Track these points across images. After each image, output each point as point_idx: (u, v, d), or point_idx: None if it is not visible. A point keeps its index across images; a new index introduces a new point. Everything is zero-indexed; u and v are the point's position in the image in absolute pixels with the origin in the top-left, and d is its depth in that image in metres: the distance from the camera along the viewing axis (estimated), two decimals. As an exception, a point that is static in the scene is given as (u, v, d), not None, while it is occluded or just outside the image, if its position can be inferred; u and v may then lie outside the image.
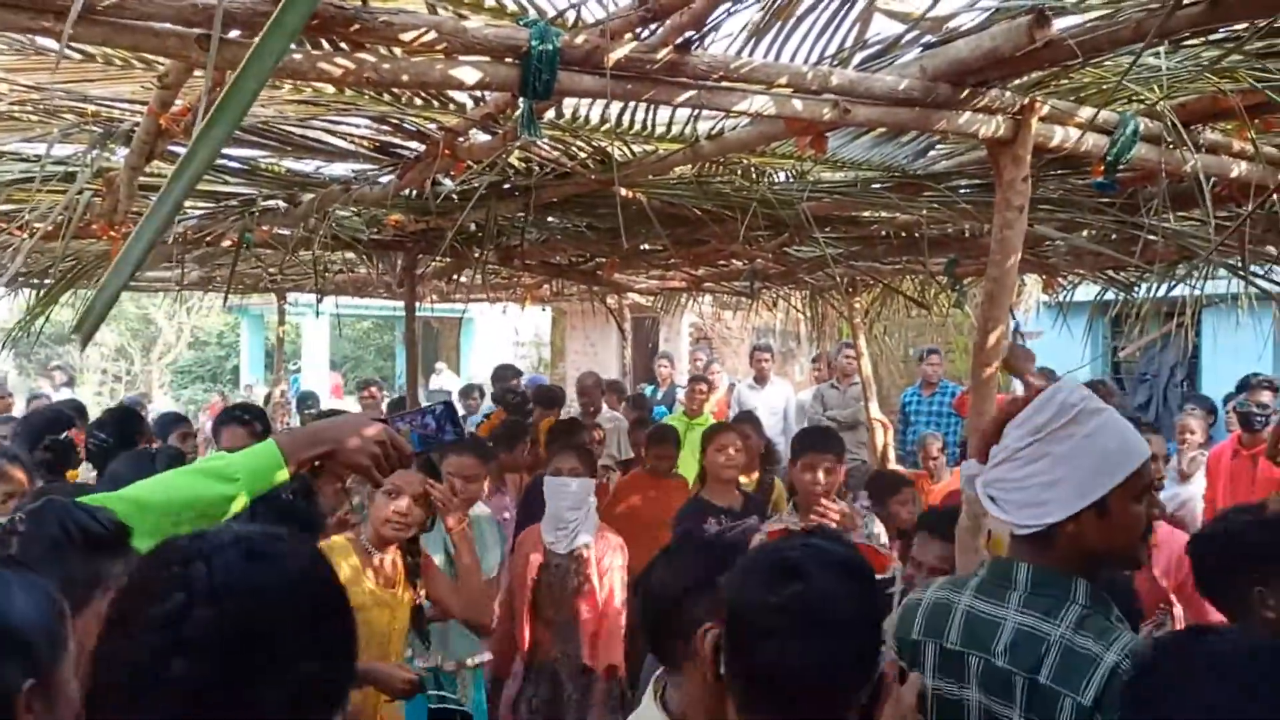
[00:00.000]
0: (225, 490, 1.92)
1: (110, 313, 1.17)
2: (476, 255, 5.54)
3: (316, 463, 2.07)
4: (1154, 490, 2.04)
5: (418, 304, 9.37)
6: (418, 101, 3.11)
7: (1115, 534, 1.85)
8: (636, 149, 3.72)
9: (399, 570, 3.54)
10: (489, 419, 7.44)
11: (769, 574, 1.66)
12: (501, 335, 21.08)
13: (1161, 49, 2.64)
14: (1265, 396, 6.08)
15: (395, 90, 2.92)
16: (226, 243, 5.27)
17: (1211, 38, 2.61)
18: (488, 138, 3.36)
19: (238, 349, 23.12)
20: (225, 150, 3.86)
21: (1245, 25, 2.46)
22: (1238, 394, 7.01)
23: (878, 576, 1.70)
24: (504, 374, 9.86)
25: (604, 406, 9.07)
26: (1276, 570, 2.51)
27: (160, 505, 1.88)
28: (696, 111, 3.20)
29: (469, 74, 2.33)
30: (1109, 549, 1.86)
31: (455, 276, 7.10)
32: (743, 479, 5.26)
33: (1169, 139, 2.97)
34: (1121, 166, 3.22)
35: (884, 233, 5.13)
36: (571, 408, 9.23)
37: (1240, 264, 4.45)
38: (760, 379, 9.84)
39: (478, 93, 3.02)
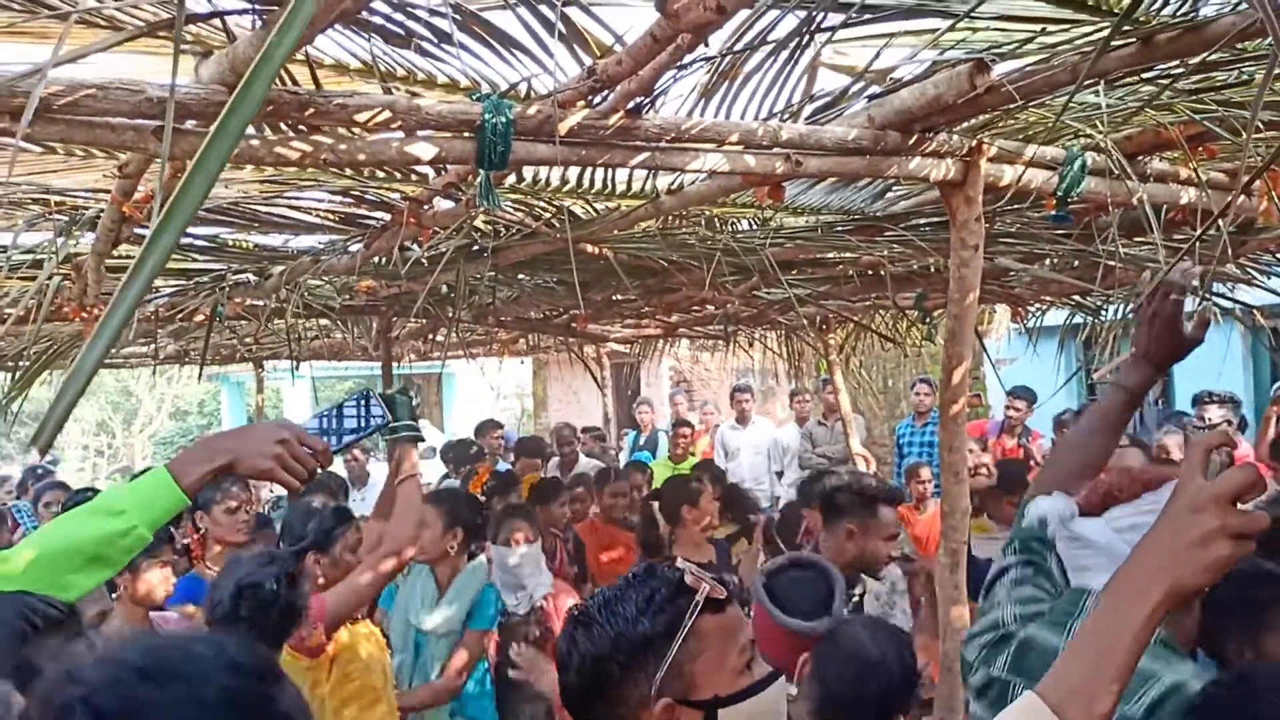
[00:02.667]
0: (113, 526, 1.78)
1: (86, 390, 1.15)
2: (450, 315, 5.57)
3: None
4: None
5: (396, 364, 9.46)
6: (379, 174, 3.15)
7: None
8: (599, 206, 3.78)
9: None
10: (477, 474, 7.41)
11: None
12: (483, 389, 21.10)
13: (1100, 87, 2.71)
14: (1211, 411, 6.16)
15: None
16: (200, 317, 5.30)
17: (1145, 75, 2.68)
18: (451, 204, 3.41)
19: (219, 417, 23.03)
20: (192, 230, 3.89)
21: (1177, 62, 2.53)
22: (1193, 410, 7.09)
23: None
24: (486, 429, 9.87)
25: (580, 455, 9.11)
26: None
27: (47, 556, 1.75)
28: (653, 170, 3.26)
29: (425, 150, 2.38)
30: None
31: (430, 336, 7.12)
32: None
33: (1115, 171, 3.03)
34: (1073, 199, 3.29)
35: (850, 272, 5.19)
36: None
37: (1200, 287, 4.53)
38: (742, 419, 9.88)
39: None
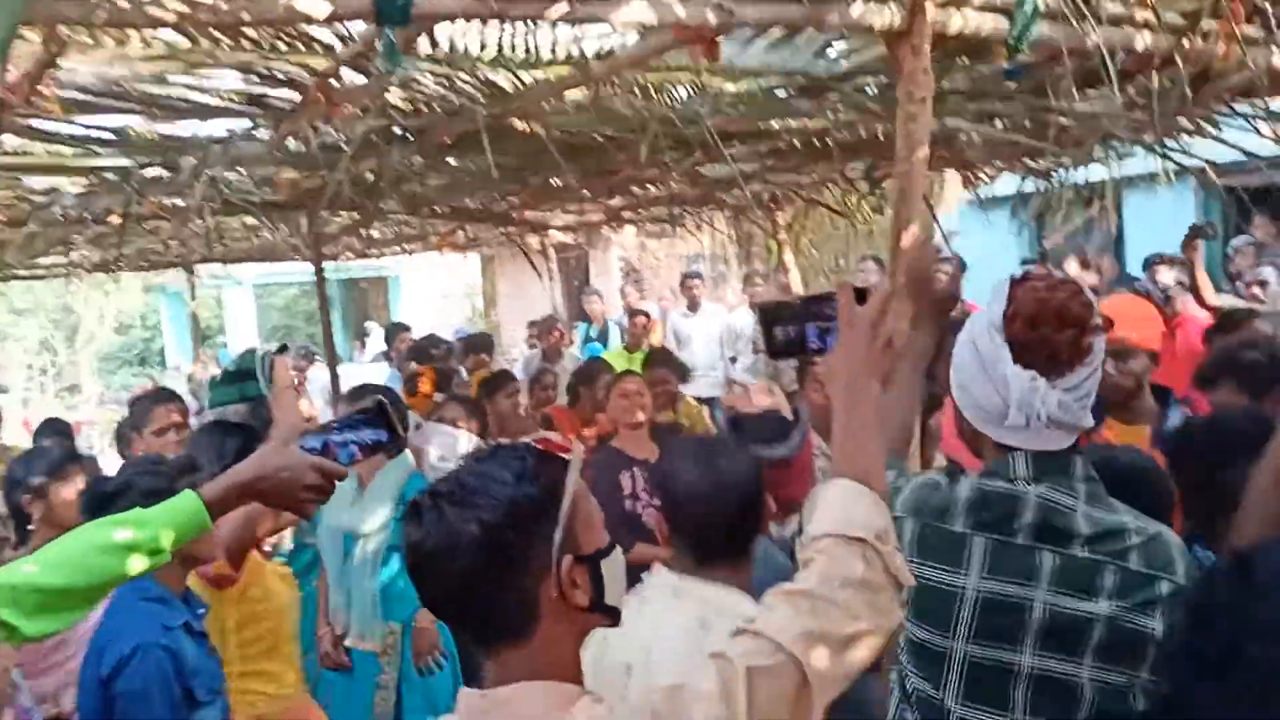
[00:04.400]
0: (150, 563, 1.78)
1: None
2: (379, 207, 5.33)
3: None
4: None
5: (338, 263, 9.18)
6: (281, 46, 2.90)
7: None
8: (526, 78, 3.54)
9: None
10: (420, 379, 7.20)
11: None
12: (430, 289, 20.79)
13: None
14: (1163, 273, 6.08)
15: (251, 36, 2.72)
16: (115, 219, 5.02)
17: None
18: (364, 79, 3.16)
19: (160, 329, 22.60)
20: (93, 120, 3.62)
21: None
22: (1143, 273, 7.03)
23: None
24: (395, 332, 9.68)
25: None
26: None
27: (69, 587, 1.72)
28: (580, 31, 3.04)
29: (318, 6, 2.15)
30: None
31: (364, 232, 6.85)
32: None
33: (1068, 12, 2.85)
34: (1026, 50, 3.11)
35: (795, 143, 4.99)
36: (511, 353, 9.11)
37: (1154, 141, 4.39)
38: (693, 306, 9.73)
39: (343, 30, 2.83)
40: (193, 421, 4.99)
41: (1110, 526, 1.75)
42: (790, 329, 1.64)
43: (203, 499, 1.83)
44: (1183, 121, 4.54)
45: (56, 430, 5.98)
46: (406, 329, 9.88)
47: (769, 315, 1.67)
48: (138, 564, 1.77)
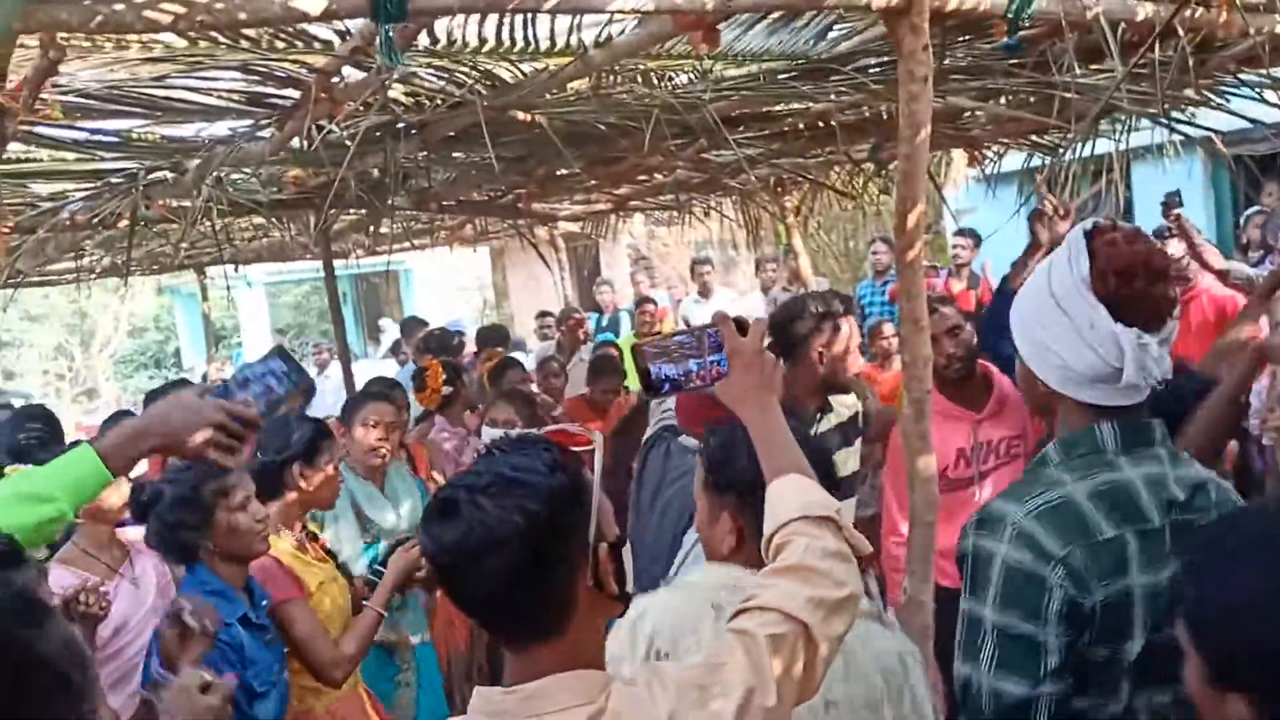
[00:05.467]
0: (45, 513, 1.76)
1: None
2: (388, 203, 5.34)
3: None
4: None
5: (348, 261, 9.17)
6: (280, 45, 2.91)
7: None
8: (526, 69, 3.54)
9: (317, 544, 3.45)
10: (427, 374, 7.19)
11: None
12: (443, 283, 20.80)
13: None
14: (1172, 246, 6.00)
15: (250, 35, 2.73)
16: (124, 223, 5.04)
17: None
18: (363, 75, 3.17)
19: (175, 331, 22.68)
20: (95, 125, 3.64)
21: None
22: None
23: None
24: (411, 327, 9.69)
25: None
26: None
27: None
28: (577, 20, 3.03)
29: (314, 4, 2.15)
30: None
31: (373, 228, 6.87)
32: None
33: (1067, -15, 2.84)
34: (1024, 22, 3.09)
35: (800, 125, 4.98)
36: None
37: (1160, 112, 4.36)
38: (705, 292, 9.73)
39: (341, 26, 2.84)
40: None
41: (1195, 481, 1.76)
42: (666, 368, 1.74)
43: (98, 451, 1.81)
44: (1188, 93, 4.51)
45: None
46: (424, 324, 9.89)
47: (641, 356, 1.75)
48: (37, 512, 1.76)
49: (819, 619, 1.46)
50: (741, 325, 1.73)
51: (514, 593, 1.38)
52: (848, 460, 3.44)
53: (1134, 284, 1.69)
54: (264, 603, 2.93)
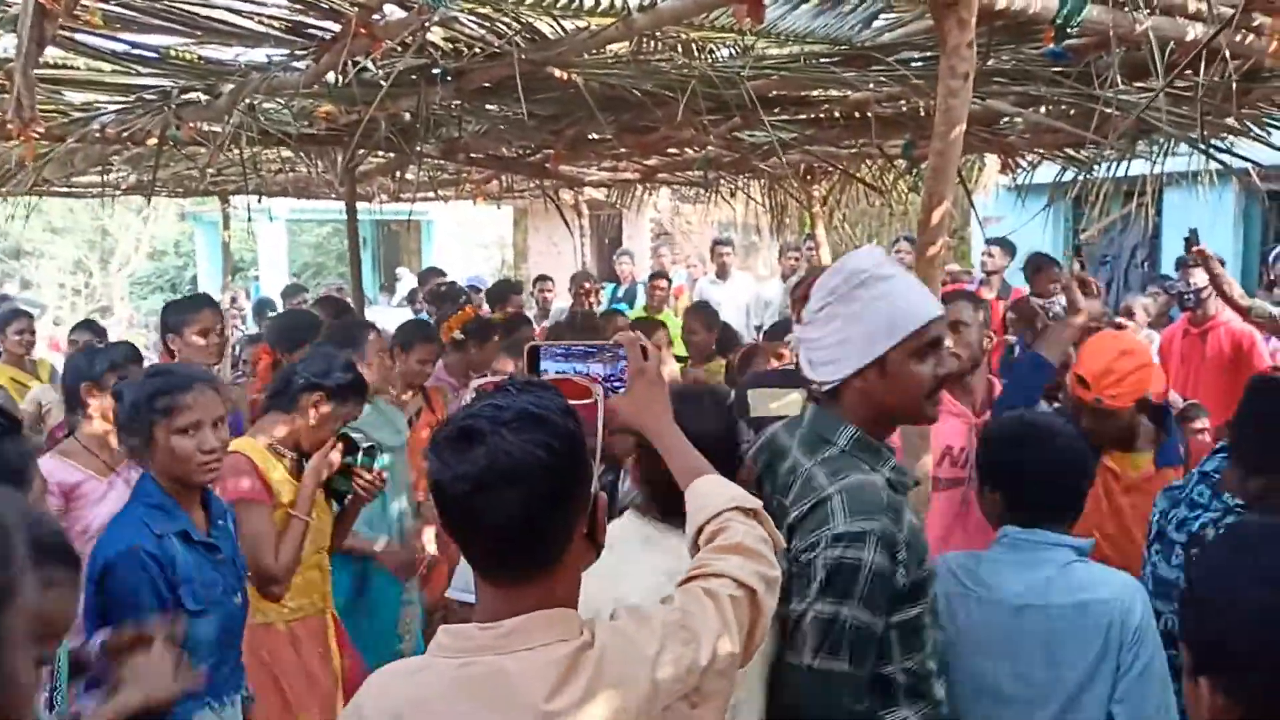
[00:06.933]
0: None
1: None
2: (416, 149, 5.33)
3: None
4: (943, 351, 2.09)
5: (372, 205, 9.17)
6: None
7: (895, 391, 2.02)
8: (568, 26, 3.53)
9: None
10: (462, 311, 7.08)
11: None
12: (464, 237, 20.80)
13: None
14: (1196, 275, 5.99)
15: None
16: (153, 141, 5.04)
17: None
18: (404, 14, 3.16)
19: (194, 258, 22.72)
20: (131, 36, 3.63)
21: None
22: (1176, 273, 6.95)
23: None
24: (428, 277, 9.68)
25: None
26: None
27: None
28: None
29: (362, -66, 2.14)
30: (891, 405, 2.06)
31: (399, 173, 6.86)
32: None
33: (1119, -3, 2.81)
34: (1073, 32, 3.07)
35: (835, 113, 4.95)
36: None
37: (1199, 138, 4.32)
38: (722, 273, 9.70)
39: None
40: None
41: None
42: (557, 366, 1.82)
43: None
44: (1229, 121, 4.47)
45: (93, 329, 6.50)
46: (442, 274, 9.87)
47: (535, 354, 1.83)
48: None
49: (763, 589, 1.62)
50: (644, 350, 1.85)
51: (525, 525, 1.41)
52: None
53: None
54: (220, 522, 2.80)
